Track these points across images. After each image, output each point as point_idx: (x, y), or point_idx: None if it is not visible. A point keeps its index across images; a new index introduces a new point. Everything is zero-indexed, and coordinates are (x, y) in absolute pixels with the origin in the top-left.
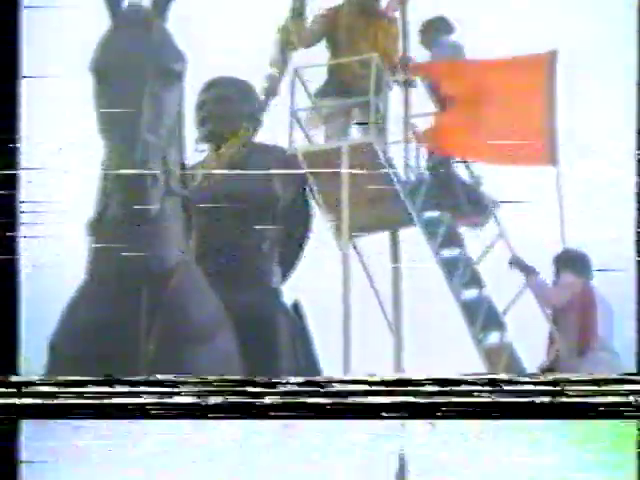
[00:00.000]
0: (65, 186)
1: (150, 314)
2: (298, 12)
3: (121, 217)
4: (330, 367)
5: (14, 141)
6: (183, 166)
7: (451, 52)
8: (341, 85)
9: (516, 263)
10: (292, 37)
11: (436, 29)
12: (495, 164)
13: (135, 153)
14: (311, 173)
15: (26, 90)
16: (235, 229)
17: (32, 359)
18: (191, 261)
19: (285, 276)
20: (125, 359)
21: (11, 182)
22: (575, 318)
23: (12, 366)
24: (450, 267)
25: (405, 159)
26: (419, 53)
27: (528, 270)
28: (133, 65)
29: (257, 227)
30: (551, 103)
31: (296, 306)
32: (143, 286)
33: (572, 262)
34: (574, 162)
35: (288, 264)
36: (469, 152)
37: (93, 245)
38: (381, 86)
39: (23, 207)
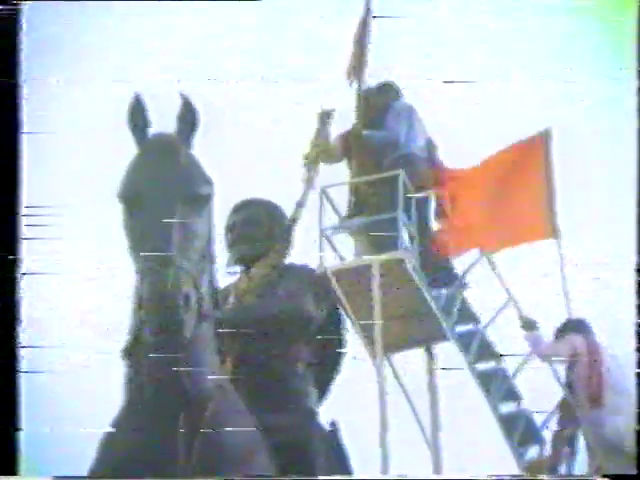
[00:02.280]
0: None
1: (188, 439)
2: (322, 132)
3: (155, 343)
4: None
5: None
6: (215, 289)
7: (406, 113)
8: (366, 202)
9: (527, 323)
10: (317, 155)
11: (387, 93)
12: (505, 248)
13: (166, 278)
14: (343, 291)
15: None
16: (269, 351)
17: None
18: (226, 384)
19: (321, 396)
20: None
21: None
22: (585, 374)
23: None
24: (486, 380)
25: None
26: None
27: (532, 326)
28: (161, 191)
29: (291, 348)
30: (549, 179)
31: (333, 426)
32: (180, 412)
33: (573, 325)
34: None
35: (324, 384)
36: (478, 245)
37: (128, 372)
38: (408, 202)
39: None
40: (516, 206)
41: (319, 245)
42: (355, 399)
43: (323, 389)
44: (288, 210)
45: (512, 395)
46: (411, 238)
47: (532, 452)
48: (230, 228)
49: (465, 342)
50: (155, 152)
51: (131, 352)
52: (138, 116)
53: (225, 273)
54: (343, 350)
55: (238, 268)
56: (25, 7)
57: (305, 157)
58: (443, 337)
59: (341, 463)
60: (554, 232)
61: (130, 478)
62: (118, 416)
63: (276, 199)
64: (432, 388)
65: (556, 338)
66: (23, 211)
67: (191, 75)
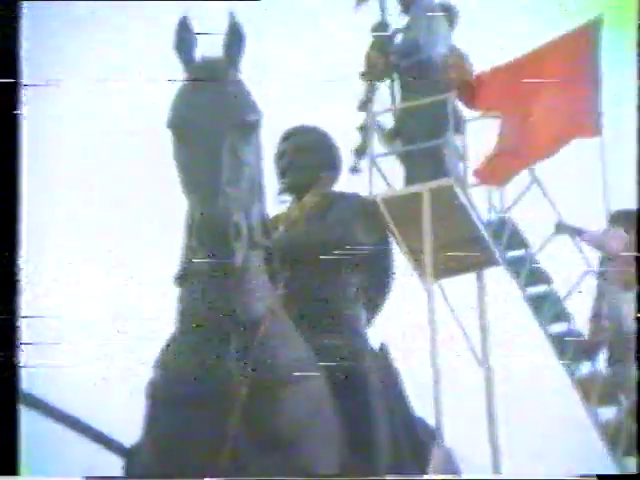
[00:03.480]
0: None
1: (241, 361)
2: (378, 46)
3: (207, 270)
4: (421, 407)
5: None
6: (265, 218)
7: (427, 13)
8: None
9: (563, 228)
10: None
11: None
12: (551, 153)
13: (217, 207)
14: (392, 218)
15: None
16: (319, 276)
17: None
18: (278, 309)
19: (371, 320)
20: (219, 403)
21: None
22: (624, 265)
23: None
24: (537, 303)
25: (487, 200)
26: None
27: (577, 231)
28: (210, 119)
29: (341, 274)
30: (595, 74)
31: (383, 348)
32: (232, 335)
33: (622, 219)
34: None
35: (373, 308)
36: (527, 159)
37: (180, 297)
38: (459, 126)
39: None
40: (558, 104)
41: (369, 172)
42: (405, 323)
43: (373, 313)
44: (338, 137)
45: (563, 316)
46: (461, 163)
47: (584, 368)
48: (280, 156)
49: (516, 267)
50: (202, 78)
51: (183, 279)
52: (185, 38)
53: (276, 202)
54: (392, 275)
55: (288, 197)
56: (25, 7)
57: (364, 74)
58: (494, 263)
59: (392, 382)
60: (598, 130)
61: (183, 398)
62: (171, 340)
63: (326, 127)
64: (482, 313)
65: (607, 228)
66: (23, 209)
67: None
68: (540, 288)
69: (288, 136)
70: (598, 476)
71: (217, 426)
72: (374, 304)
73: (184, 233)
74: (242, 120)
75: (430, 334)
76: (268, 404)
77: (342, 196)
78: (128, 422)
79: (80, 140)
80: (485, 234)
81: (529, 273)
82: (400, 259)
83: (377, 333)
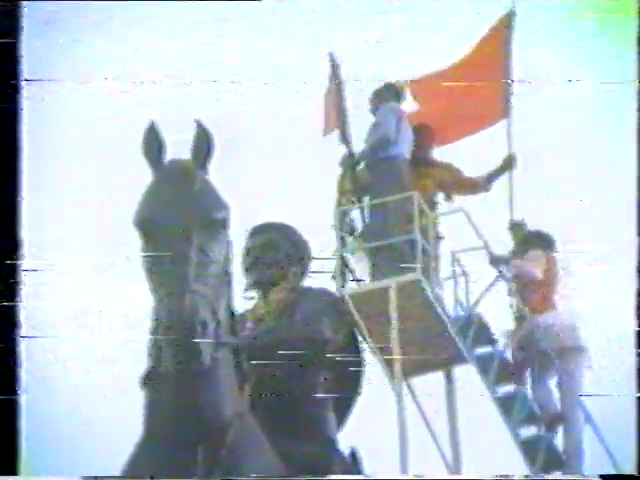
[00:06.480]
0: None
1: (207, 469)
2: (349, 162)
3: (173, 371)
4: None
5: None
6: (232, 315)
7: (393, 115)
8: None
9: (495, 260)
10: (347, 187)
11: (381, 97)
12: (462, 138)
13: (184, 305)
14: (361, 314)
15: None
16: (287, 376)
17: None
18: (245, 412)
19: (341, 423)
20: None
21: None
22: (542, 286)
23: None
24: (506, 404)
25: (454, 295)
26: None
27: (506, 261)
28: (177, 217)
29: (309, 373)
30: (506, 60)
31: (353, 454)
32: (199, 440)
33: (538, 240)
34: None
35: (343, 410)
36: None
37: (146, 399)
38: (425, 224)
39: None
40: (475, 95)
41: (336, 268)
42: (375, 424)
43: (342, 414)
44: (305, 234)
45: (533, 418)
46: (428, 259)
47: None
48: (247, 252)
49: (484, 364)
50: (171, 178)
51: (149, 380)
52: (153, 143)
53: (243, 298)
54: (362, 374)
55: (255, 293)
56: (25, 7)
57: (338, 204)
58: (462, 359)
59: None
60: (505, 111)
61: None
62: (138, 447)
63: (293, 222)
64: (452, 412)
65: (520, 251)
66: (23, 211)
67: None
68: (509, 387)
69: (255, 233)
70: (600, 476)
71: None
72: (344, 406)
73: (150, 332)
74: (210, 218)
75: (399, 435)
76: None
77: (309, 291)
78: None
79: (80, 140)
80: (451, 329)
81: (498, 370)
82: (369, 357)
83: (347, 435)
